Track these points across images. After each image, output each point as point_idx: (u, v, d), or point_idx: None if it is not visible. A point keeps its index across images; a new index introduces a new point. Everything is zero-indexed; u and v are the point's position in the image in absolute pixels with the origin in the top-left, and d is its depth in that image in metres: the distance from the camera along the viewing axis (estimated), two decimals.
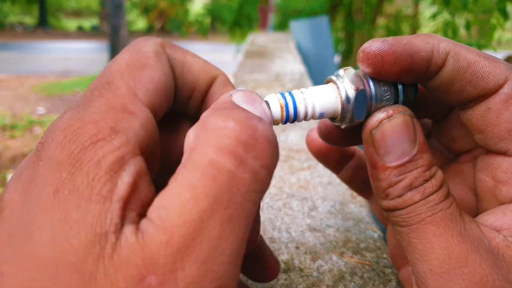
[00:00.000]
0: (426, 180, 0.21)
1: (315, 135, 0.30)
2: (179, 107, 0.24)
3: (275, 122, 0.22)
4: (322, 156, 0.31)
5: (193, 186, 0.15)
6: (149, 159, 0.18)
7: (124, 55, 0.20)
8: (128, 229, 0.15)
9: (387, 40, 0.22)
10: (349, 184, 0.32)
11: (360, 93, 0.22)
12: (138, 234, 0.15)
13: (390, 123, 0.21)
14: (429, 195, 0.21)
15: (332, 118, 0.24)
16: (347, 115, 0.22)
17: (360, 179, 0.32)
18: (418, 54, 0.21)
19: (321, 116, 0.23)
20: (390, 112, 0.22)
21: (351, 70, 0.22)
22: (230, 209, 0.15)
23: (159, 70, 0.20)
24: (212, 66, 0.24)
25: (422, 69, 0.22)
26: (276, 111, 0.21)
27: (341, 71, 0.22)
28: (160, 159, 0.20)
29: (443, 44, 0.22)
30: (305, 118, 0.22)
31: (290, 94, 0.22)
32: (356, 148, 0.31)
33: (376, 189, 0.23)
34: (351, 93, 0.22)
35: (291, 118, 0.22)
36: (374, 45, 0.21)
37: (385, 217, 0.31)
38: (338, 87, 0.22)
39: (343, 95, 0.22)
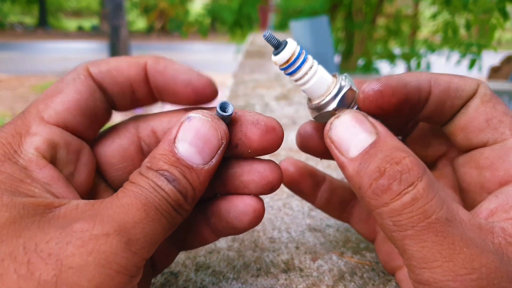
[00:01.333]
0: (397, 160, 0.20)
1: (286, 165, 0.32)
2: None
3: (278, 62, 0.24)
4: (296, 184, 0.32)
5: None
6: (66, 162, 0.23)
7: (50, 87, 0.24)
8: None
9: (381, 78, 0.24)
10: (327, 209, 0.33)
11: (351, 93, 0.24)
12: None
13: (338, 120, 0.23)
14: (410, 185, 0.20)
15: (310, 100, 0.26)
16: (329, 104, 0.24)
17: (337, 201, 0.32)
18: (410, 84, 0.24)
19: (309, 88, 0.25)
20: (339, 114, 0.24)
21: (350, 78, 0.25)
22: None
23: (72, 92, 0.23)
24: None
25: (415, 97, 0.24)
26: (286, 54, 0.24)
27: (346, 75, 0.25)
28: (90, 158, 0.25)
29: (424, 75, 0.25)
30: (300, 79, 0.24)
31: (306, 52, 0.25)
32: (325, 173, 0.33)
33: (354, 189, 0.22)
34: (346, 87, 0.24)
35: (292, 67, 0.24)
36: (372, 84, 0.24)
37: (370, 232, 0.32)
38: (338, 80, 0.25)
39: (337, 86, 0.24)
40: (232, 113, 0.23)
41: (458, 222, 0.20)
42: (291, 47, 0.24)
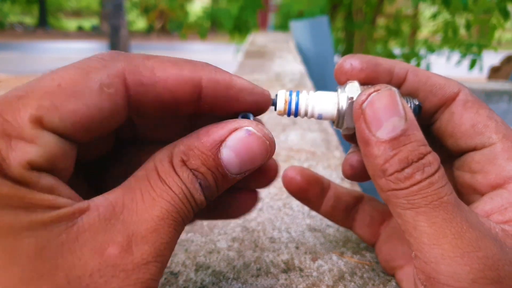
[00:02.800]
0: (423, 155, 0.21)
1: (293, 174, 0.31)
2: None
3: (279, 113, 0.26)
4: (303, 192, 0.32)
5: None
6: (60, 171, 0.18)
7: (67, 71, 0.19)
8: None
9: (359, 55, 0.26)
10: (332, 216, 0.33)
11: (352, 102, 0.24)
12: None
13: (378, 96, 0.22)
14: (430, 175, 0.21)
15: (333, 122, 0.27)
16: (341, 121, 0.25)
17: (342, 207, 0.32)
18: (381, 65, 0.26)
19: (320, 117, 0.26)
20: (378, 87, 0.23)
21: (355, 83, 0.25)
22: None
23: (93, 105, 0.18)
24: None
25: (385, 79, 0.26)
26: (281, 104, 0.26)
27: (348, 83, 0.26)
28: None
29: (403, 64, 0.26)
30: (306, 115, 0.26)
31: (297, 93, 0.26)
32: (330, 180, 0.33)
33: (373, 168, 0.23)
34: (345, 101, 0.25)
35: (292, 112, 0.26)
36: (348, 58, 0.26)
37: (372, 236, 0.32)
38: (338, 95, 0.25)
39: (340, 102, 0.25)
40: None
41: (463, 206, 0.21)
42: (281, 95, 0.26)
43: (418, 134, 0.22)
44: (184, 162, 0.20)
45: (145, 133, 0.26)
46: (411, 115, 0.22)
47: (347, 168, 0.28)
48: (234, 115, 0.23)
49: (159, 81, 0.20)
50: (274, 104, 0.26)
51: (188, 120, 0.26)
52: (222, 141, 0.20)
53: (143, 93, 0.20)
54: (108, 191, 0.19)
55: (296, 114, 0.26)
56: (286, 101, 0.26)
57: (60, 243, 0.16)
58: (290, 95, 0.26)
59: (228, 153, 0.20)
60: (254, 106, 0.23)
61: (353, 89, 0.25)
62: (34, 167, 0.17)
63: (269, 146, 0.22)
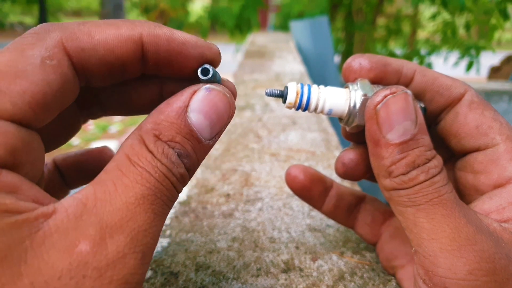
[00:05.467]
0: (428, 160, 0.22)
1: (296, 172, 0.31)
2: None
3: (289, 106, 0.25)
4: (306, 191, 0.32)
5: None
6: (22, 164, 0.17)
7: (2, 54, 0.17)
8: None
9: (367, 54, 0.26)
10: (334, 215, 0.33)
11: (366, 99, 0.24)
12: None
13: (394, 99, 0.22)
14: (433, 176, 0.22)
15: (340, 119, 0.26)
16: (352, 118, 0.25)
17: (344, 206, 0.33)
18: (390, 65, 0.26)
19: (330, 112, 0.26)
20: (393, 89, 0.23)
21: (366, 81, 0.25)
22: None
23: (40, 81, 0.17)
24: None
25: (393, 79, 0.25)
26: (292, 96, 0.25)
27: (358, 81, 0.25)
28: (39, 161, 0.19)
29: (411, 64, 0.26)
30: (316, 110, 0.26)
31: (309, 86, 0.25)
32: (333, 180, 0.33)
33: (379, 167, 0.23)
34: (359, 99, 0.24)
35: (303, 105, 0.25)
36: (357, 57, 0.26)
37: (373, 235, 0.32)
38: (350, 92, 0.25)
39: (352, 99, 0.25)
40: (212, 78, 0.22)
41: (462, 204, 0.22)
42: (293, 87, 0.25)
43: (426, 139, 0.22)
44: (157, 137, 0.19)
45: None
46: (421, 118, 0.23)
47: (339, 166, 0.28)
48: (189, 76, 0.22)
49: (99, 44, 0.19)
50: (282, 96, 0.26)
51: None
52: (186, 106, 0.19)
53: (86, 58, 0.19)
54: (78, 191, 0.18)
55: (306, 107, 0.26)
56: (298, 93, 0.25)
57: (23, 249, 0.15)
58: (302, 87, 0.25)
59: (196, 116, 0.20)
60: (201, 61, 0.22)
61: (366, 87, 0.25)
62: None
63: (231, 99, 0.21)
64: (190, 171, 0.20)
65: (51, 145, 0.24)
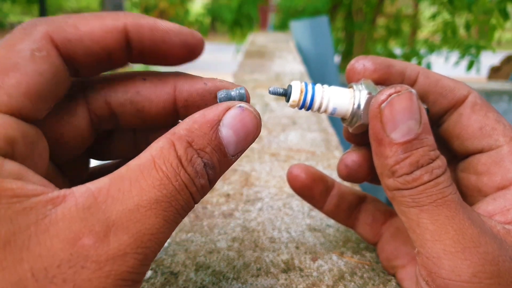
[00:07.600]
0: (432, 160, 0.22)
1: (297, 171, 0.31)
2: None
3: (292, 104, 0.25)
4: (307, 190, 0.32)
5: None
6: (22, 158, 0.18)
7: None
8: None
9: (371, 56, 0.26)
10: (335, 214, 0.33)
11: (371, 98, 0.24)
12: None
13: (398, 98, 0.22)
14: (437, 177, 0.22)
15: (344, 119, 0.26)
16: (356, 118, 0.25)
17: (345, 206, 0.33)
18: (394, 67, 0.26)
19: (334, 111, 0.25)
20: (398, 88, 0.23)
21: (370, 81, 0.25)
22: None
23: (32, 71, 0.18)
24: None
25: (397, 81, 0.26)
26: (296, 94, 0.25)
27: (362, 81, 0.25)
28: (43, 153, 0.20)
29: (414, 66, 0.26)
30: (319, 109, 0.25)
31: (313, 85, 0.25)
32: (334, 179, 0.33)
33: (382, 167, 0.23)
34: (364, 98, 0.24)
35: (306, 104, 0.25)
36: (361, 59, 0.26)
37: (374, 235, 0.32)
38: (354, 91, 0.25)
39: (357, 98, 0.25)
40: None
41: (465, 205, 0.22)
42: (297, 86, 0.25)
43: (430, 139, 0.22)
44: (189, 144, 0.19)
45: (126, 120, 0.25)
46: (425, 118, 0.22)
47: (342, 168, 0.28)
48: (172, 63, 0.23)
49: (84, 34, 0.20)
50: (286, 94, 0.25)
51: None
52: (220, 120, 0.20)
53: (73, 49, 0.20)
54: (93, 180, 0.18)
55: (310, 107, 0.25)
56: (302, 92, 0.25)
57: (27, 236, 0.16)
58: (306, 86, 0.25)
59: (227, 131, 0.20)
60: (185, 48, 0.22)
61: (370, 86, 0.25)
62: None
63: (259, 121, 0.22)
64: (211, 183, 0.21)
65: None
